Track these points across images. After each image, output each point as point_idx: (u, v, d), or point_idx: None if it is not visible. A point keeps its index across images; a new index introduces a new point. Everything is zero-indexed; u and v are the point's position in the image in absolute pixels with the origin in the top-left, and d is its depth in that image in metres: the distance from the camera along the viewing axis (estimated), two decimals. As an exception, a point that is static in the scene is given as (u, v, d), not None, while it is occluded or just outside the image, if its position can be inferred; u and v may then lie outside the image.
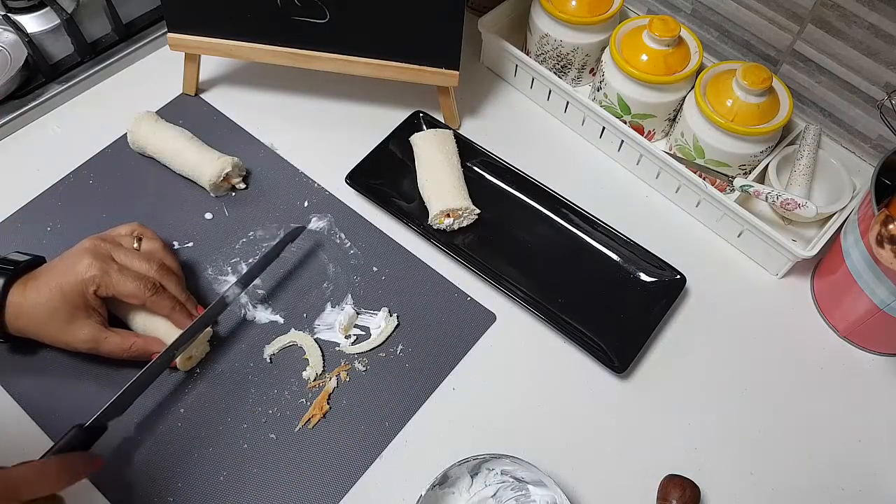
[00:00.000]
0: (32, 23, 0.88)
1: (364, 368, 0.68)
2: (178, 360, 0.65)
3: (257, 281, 0.72)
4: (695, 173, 0.76)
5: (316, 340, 0.69)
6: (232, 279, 0.72)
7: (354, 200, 0.79)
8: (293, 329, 0.70)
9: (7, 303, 0.61)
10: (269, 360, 0.68)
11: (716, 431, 0.67)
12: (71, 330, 0.62)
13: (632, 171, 0.83)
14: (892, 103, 0.70)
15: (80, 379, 0.66)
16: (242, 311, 0.71)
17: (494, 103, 0.89)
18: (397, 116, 0.83)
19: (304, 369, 0.67)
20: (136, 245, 0.67)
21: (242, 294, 0.71)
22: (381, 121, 0.83)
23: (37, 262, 0.65)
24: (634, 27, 0.79)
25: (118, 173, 0.79)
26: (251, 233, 0.76)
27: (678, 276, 0.72)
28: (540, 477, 0.58)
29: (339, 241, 0.76)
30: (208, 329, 0.67)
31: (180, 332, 0.65)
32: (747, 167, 0.77)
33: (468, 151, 0.81)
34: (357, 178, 0.78)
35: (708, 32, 0.85)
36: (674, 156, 0.78)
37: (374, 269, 0.74)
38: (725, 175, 0.76)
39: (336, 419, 0.65)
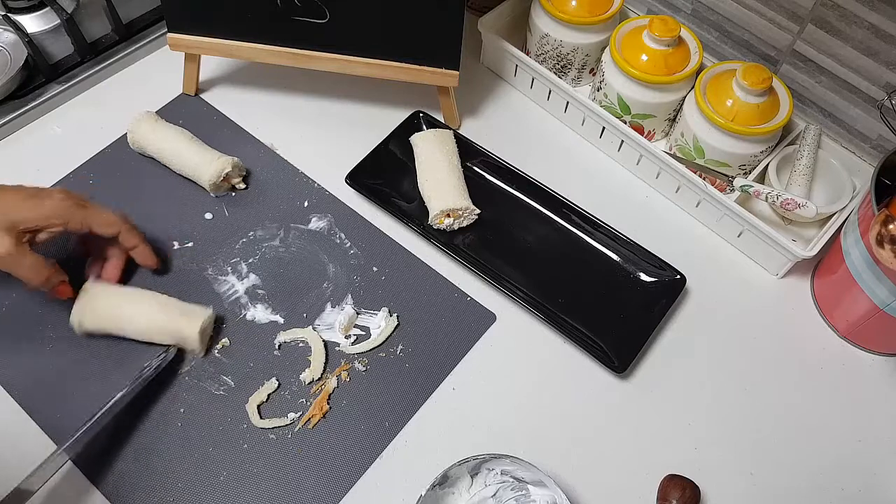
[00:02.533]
0: (32, 23, 0.88)
1: (364, 368, 0.68)
2: (198, 339, 0.66)
3: (257, 281, 0.72)
4: (695, 173, 0.76)
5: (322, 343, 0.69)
6: (232, 279, 0.72)
7: (354, 200, 0.79)
8: (311, 327, 0.70)
9: None
10: (277, 347, 0.68)
11: (716, 431, 0.67)
12: None
13: (632, 171, 0.83)
14: (892, 103, 0.70)
15: (81, 378, 0.66)
16: (242, 311, 0.71)
17: (494, 103, 0.89)
18: (397, 116, 0.83)
19: (304, 370, 0.67)
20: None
21: (243, 294, 0.71)
22: (381, 121, 0.83)
23: None
24: (634, 27, 0.79)
25: (118, 173, 0.79)
26: (251, 233, 0.76)
27: (678, 276, 0.72)
28: (540, 477, 0.58)
29: (339, 241, 0.76)
30: (210, 311, 0.68)
31: (157, 326, 0.66)
32: (747, 167, 0.77)
33: (468, 151, 0.81)
34: (357, 178, 0.78)
35: (708, 32, 0.85)
36: (674, 156, 0.78)
37: (374, 269, 0.74)
38: (725, 175, 0.76)
39: (336, 419, 0.65)
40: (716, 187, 0.76)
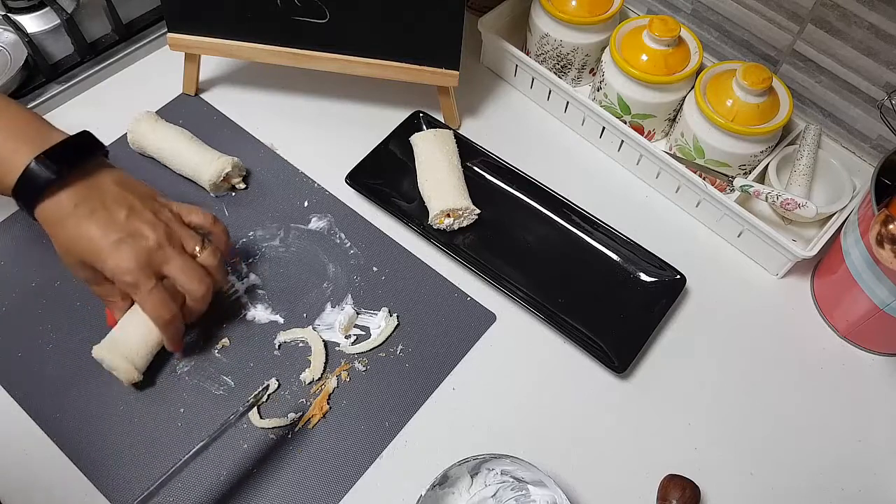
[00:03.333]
0: (32, 23, 0.88)
1: (364, 368, 0.68)
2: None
3: (257, 280, 0.72)
4: (695, 173, 0.76)
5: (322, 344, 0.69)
6: (232, 279, 0.72)
7: (354, 200, 0.79)
8: (311, 327, 0.70)
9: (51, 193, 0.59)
10: (277, 347, 0.68)
11: (716, 431, 0.67)
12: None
13: (632, 171, 0.83)
14: (892, 103, 0.71)
15: (82, 377, 0.66)
16: (242, 311, 0.71)
17: (494, 103, 0.89)
18: (397, 116, 0.83)
19: (304, 370, 0.67)
20: (197, 248, 0.64)
21: (243, 294, 0.71)
22: (381, 121, 0.83)
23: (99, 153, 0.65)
24: (634, 27, 0.79)
25: (118, 173, 0.79)
26: (251, 233, 0.76)
27: (678, 276, 0.72)
28: (540, 477, 0.58)
29: (339, 241, 0.76)
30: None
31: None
32: (747, 167, 0.77)
33: (468, 151, 0.81)
34: (357, 178, 0.78)
35: (708, 32, 0.85)
36: (674, 156, 0.78)
37: (374, 269, 0.74)
38: (725, 175, 0.76)
39: (336, 419, 0.65)
40: (716, 187, 0.76)
